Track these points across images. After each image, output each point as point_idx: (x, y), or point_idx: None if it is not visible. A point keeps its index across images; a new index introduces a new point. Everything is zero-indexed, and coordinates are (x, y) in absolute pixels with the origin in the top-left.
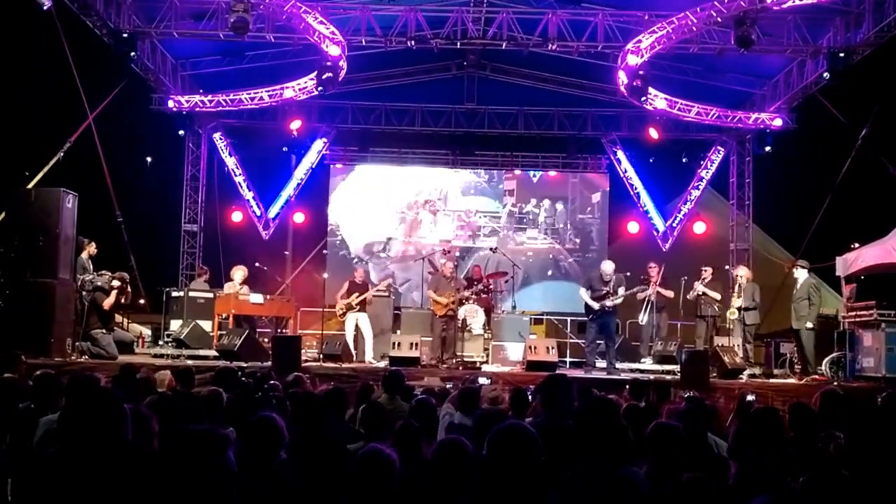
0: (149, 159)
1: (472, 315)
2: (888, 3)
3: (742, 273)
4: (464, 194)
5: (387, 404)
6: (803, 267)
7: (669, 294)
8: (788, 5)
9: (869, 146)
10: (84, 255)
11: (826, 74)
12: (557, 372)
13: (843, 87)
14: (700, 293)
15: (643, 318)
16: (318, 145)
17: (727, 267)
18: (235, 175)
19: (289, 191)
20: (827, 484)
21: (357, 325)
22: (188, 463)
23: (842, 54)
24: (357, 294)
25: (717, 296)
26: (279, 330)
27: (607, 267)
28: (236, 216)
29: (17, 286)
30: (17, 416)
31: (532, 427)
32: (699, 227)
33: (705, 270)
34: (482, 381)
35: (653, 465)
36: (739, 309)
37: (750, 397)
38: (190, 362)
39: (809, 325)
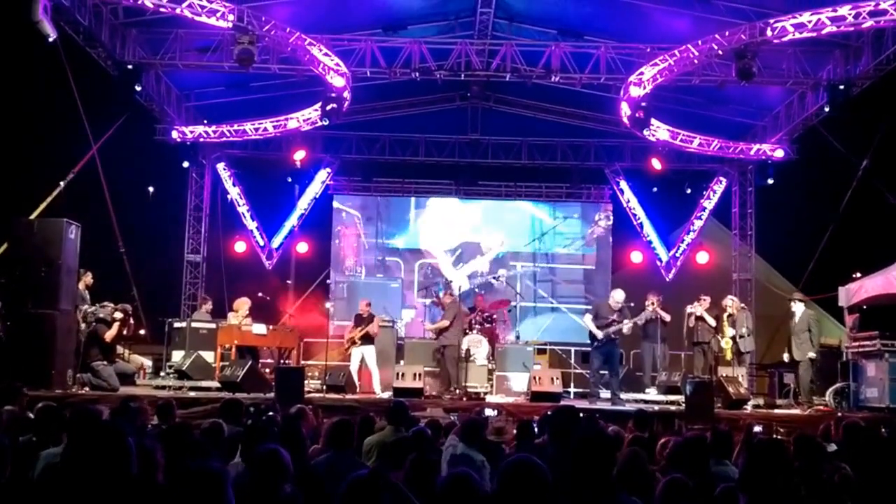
0: (151, 189)
1: (476, 345)
2: (887, 37)
3: (730, 303)
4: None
5: (390, 436)
6: (800, 300)
7: (667, 317)
8: (788, 38)
9: (870, 177)
10: (81, 285)
11: (826, 107)
12: (566, 404)
13: (844, 118)
14: (698, 315)
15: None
16: (322, 175)
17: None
18: (239, 205)
19: (292, 221)
20: None
21: (363, 358)
22: (189, 500)
23: (842, 86)
24: (359, 328)
25: (713, 322)
26: (282, 361)
27: (618, 295)
28: (239, 246)
29: (18, 317)
30: (19, 449)
31: (540, 459)
32: (702, 258)
33: (703, 299)
34: (489, 412)
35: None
36: (733, 339)
37: (757, 429)
38: (192, 394)
39: (811, 355)
